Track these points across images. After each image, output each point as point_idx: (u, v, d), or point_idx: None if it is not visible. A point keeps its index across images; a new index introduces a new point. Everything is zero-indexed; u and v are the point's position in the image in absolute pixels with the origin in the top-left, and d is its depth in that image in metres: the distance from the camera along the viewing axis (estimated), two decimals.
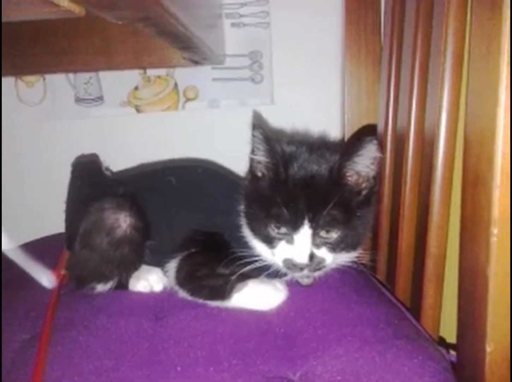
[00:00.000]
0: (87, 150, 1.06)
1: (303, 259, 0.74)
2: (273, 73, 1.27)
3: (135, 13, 0.62)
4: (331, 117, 1.26)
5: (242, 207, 0.82)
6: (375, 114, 1.16)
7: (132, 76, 1.27)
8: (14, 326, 0.79)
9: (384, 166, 1.02)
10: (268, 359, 0.68)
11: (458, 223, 0.69)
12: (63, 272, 0.91)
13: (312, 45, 1.25)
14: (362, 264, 0.83)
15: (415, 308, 0.87)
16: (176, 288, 0.83)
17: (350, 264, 0.81)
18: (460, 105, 0.77)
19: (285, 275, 0.81)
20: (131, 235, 0.85)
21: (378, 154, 0.75)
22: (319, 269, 0.77)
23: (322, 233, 0.74)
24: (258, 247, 0.80)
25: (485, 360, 0.61)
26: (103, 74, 1.27)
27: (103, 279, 0.86)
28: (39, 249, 1.05)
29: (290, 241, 0.75)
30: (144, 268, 0.89)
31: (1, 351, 0.73)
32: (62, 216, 0.93)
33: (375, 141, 0.73)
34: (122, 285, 0.88)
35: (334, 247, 0.75)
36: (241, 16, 1.24)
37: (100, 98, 1.29)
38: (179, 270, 0.83)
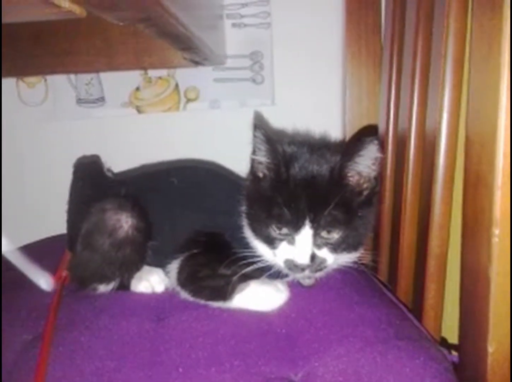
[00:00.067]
0: (88, 151, 1.06)
1: (304, 259, 0.74)
2: (274, 74, 1.27)
3: (136, 14, 0.62)
4: (332, 118, 1.26)
5: (243, 208, 0.82)
6: (375, 114, 1.16)
7: (133, 77, 1.27)
8: (16, 327, 0.79)
9: (385, 166, 1.02)
10: (270, 360, 0.68)
11: (459, 223, 0.69)
12: (65, 273, 0.91)
13: (312, 46, 1.25)
14: (363, 264, 0.83)
15: (417, 308, 0.87)
16: (178, 288, 0.83)
17: (351, 265, 0.81)
18: (461, 106, 0.77)
19: (287, 275, 0.81)
20: (132, 235, 0.85)
21: (379, 155, 0.75)
22: (320, 270, 0.76)
23: (323, 234, 0.74)
24: (260, 247, 0.80)
25: (487, 361, 0.61)
26: (104, 75, 1.28)
27: (105, 279, 0.86)
28: (41, 250, 1.06)
29: (291, 242, 0.75)
30: (146, 268, 0.89)
31: (1, 352, 0.73)
32: (64, 217, 0.93)
33: (376, 142, 0.73)
34: (124, 286, 0.88)
35: (335, 248, 0.75)
36: (242, 16, 1.24)
37: (101, 99, 1.29)
38: (180, 271, 0.83)
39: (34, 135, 1.31)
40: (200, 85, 1.28)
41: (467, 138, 0.66)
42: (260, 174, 0.79)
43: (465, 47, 0.75)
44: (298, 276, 0.79)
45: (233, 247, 0.81)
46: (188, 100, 1.29)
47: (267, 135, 0.74)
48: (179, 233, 0.86)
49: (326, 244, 0.75)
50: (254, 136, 0.75)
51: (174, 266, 0.84)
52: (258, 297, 0.78)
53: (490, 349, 0.60)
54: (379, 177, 0.80)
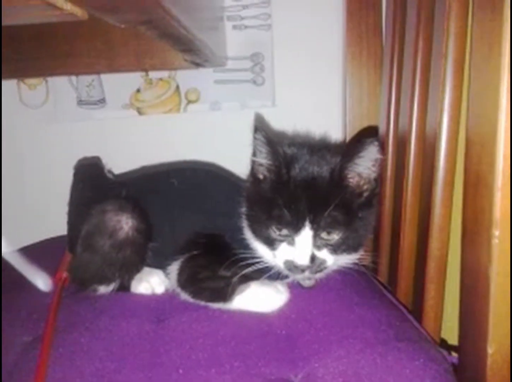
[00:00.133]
0: (89, 153, 1.06)
1: (304, 260, 0.74)
2: (274, 75, 1.27)
3: (137, 16, 0.62)
4: (332, 119, 1.26)
5: (243, 209, 0.83)
6: (376, 115, 1.16)
7: (134, 79, 1.27)
8: (16, 328, 0.79)
9: (386, 168, 1.02)
10: (270, 361, 0.68)
11: (459, 225, 0.69)
12: (65, 274, 0.91)
13: (313, 47, 1.25)
14: (363, 265, 0.83)
15: (417, 309, 0.87)
16: (178, 290, 0.83)
17: (351, 266, 0.81)
18: (461, 107, 0.77)
19: (287, 276, 0.81)
20: (133, 237, 0.85)
21: (379, 156, 0.75)
22: (320, 271, 0.77)
23: (323, 235, 0.74)
24: (260, 248, 0.80)
25: (487, 362, 0.61)
26: (105, 77, 1.28)
27: (105, 281, 0.86)
28: (41, 251, 1.06)
29: (291, 243, 0.75)
30: (146, 270, 0.89)
31: (1, 353, 0.73)
32: (64, 218, 0.93)
33: (376, 143, 0.73)
34: (124, 287, 0.88)
35: (335, 249, 0.75)
36: (243, 18, 1.24)
37: (102, 101, 1.29)
38: (180, 272, 0.83)
39: (34, 137, 1.31)
40: (201, 86, 1.28)
41: (467, 139, 0.66)
42: (261, 176, 0.79)
43: (466, 48, 0.75)
44: (298, 277, 0.79)
45: (233, 248, 0.81)
46: (189, 101, 1.29)
47: (268, 137, 0.75)
48: (179, 234, 0.86)
49: (326, 245, 0.75)
50: (255, 138, 0.75)
51: (174, 267, 0.85)
52: (258, 298, 0.78)
53: (490, 350, 0.60)
54: (379, 179, 0.80)
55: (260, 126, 0.75)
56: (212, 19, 1.11)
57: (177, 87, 1.29)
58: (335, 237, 0.75)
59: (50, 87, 1.29)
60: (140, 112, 1.30)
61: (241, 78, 1.27)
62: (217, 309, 0.78)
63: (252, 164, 0.80)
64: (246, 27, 1.25)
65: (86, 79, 1.28)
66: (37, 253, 1.03)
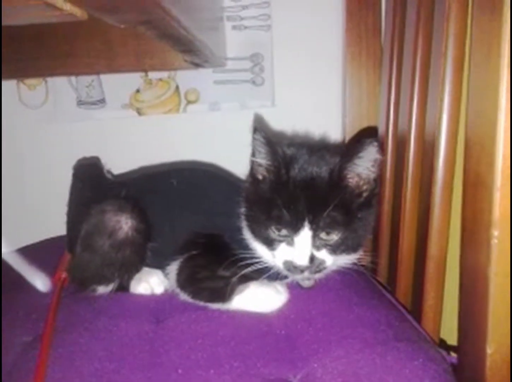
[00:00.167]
0: (88, 153, 1.06)
1: (303, 261, 0.74)
2: (274, 76, 1.27)
3: (137, 17, 0.62)
4: (331, 120, 1.26)
5: (242, 209, 0.83)
6: (375, 116, 1.16)
7: (133, 79, 1.27)
8: (16, 328, 0.79)
9: (385, 168, 1.02)
10: (269, 361, 0.68)
11: (458, 225, 0.69)
12: (64, 274, 0.91)
13: (313, 48, 1.26)
14: (362, 265, 0.83)
15: (416, 310, 0.87)
16: (177, 290, 0.83)
17: (350, 266, 0.81)
18: (460, 107, 0.77)
19: (286, 277, 0.81)
20: (132, 237, 0.85)
21: (378, 156, 0.75)
22: (320, 271, 0.77)
23: (323, 235, 0.74)
24: (259, 249, 0.80)
25: (486, 362, 0.61)
26: (104, 77, 1.28)
27: (104, 281, 0.86)
28: (41, 251, 1.06)
29: (291, 243, 0.75)
30: (145, 270, 0.89)
31: (1, 353, 0.73)
32: (64, 218, 0.93)
33: (375, 143, 0.73)
34: (123, 287, 0.88)
35: (335, 249, 0.75)
36: (242, 19, 1.24)
37: (101, 101, 1.29)
38: (180, 272, 0.83)
39: (34, 137, 1.31)
40: (201, 87, 1.28)
41: (466, 139, 0.66)
42: (260, 177, 0.79)
43: (465, 48, 0.75)
44: (297, 277, 0.79)
45: (232, 248, 0.82)
46: (189, 102, 1.29)
47: (267, 138, 0.75)
48: (179, 235, 0.86)
49: (325, 246, 0.75)
50: (254, 138, 0.75)
51: (173, 268, 0.85)
52: (257, 299, 0.78)
53: (489, 350, 0.60)
54: (379, 179, 0.80)
55: (260, 127, 0.75)
56: (212, 20, 1.11)
57: (177, 87, 1.29)
58: (334, 237, 0.75)
59: (49, 88, 1.29)
60: (139, 112, 1.30)
61: (240, 78, 1.27)
62: (216, 309, 0.78)
63: (251, 164, 0.80)
64: (245, 27, 1.25)
65: (85, 79, 1.28)
66: (36, 253, 1.03)
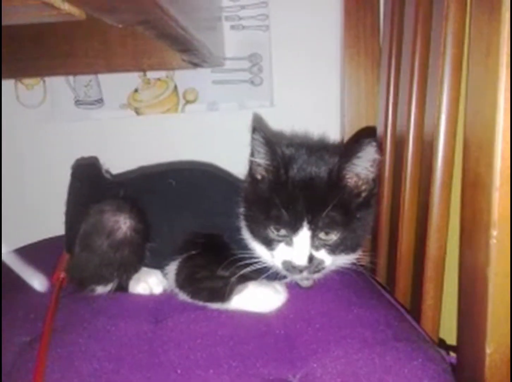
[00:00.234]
0: (86, 153, 1.06)
1: (302, 261, 0.74)
2: (272, 76, 1.27)
3: (135, 16, 0.62)
4: (330, 119, 1.26)
5: (241, 209, 0.83)
6: (374, 116, 1.16)
7: (132, 79, 1.27)
8: (14, 328, 0.79)
9: (384, 168, 1.02)
10: (268, 361, 0.68)
11: (457, 225, 0.69)
12: (62, 274, 0.90)
13: (311, 48, 1.25)
14: (361, 265, 0.83)
15: (415, 309, 0.87)
16: (176, 290, 0.83)
17: (349, 266, 0.81)
18: (459, 108, 0.77)
19: (285, 277, 0.81)
20: (131, 237, 0.85)
21: (377, 156, 0.75)
22: (318, 271, 0.77)
23: (321, 235, 0.74)
24: (258, 249, 0.80)
25: (485, 362, 0.61)
26: (103, 77, 1.28)
27: (103, 281, 0.86)
28: (39, 251, 1.06)
29: (289, 243, 0.75)
30: (144, 270, 0.89)
31: (1, 353, 0.73)
32: (62, 218, 0.93)
33: (374, 143, 0.73)
34: (122, 287, 0.88)
35: (333, 249, 0.75)
36: (241, 18, 1.24)
37: (100, 101, 1.29)
38: (179, 272, 0.83)
39: (32, 137, 1.31)
40: (199, 87, 1.28)
41: (465, 139, 0.66)
42: (259, 176, 0.79)
43: (464, 48, 0.75)
44: (296, 277, 0.79)
45: (231, 248, 0.82)
46: (187, 102, 1.29)
47: (266, 138, 0.75)
48: (177, 235, 0.86)
49: (324, 246, 0.75)
50: (253, 138, 0.75)
51: (172, 268, 0.85)
52: (256, 298, 0.78)
53: (488, 350, 0.61)
54: (377, 179, 0.80)
55: (258, 127, 0.75)
56: (210, 19, 1.11)
57: (175, 87, 1.28)
58: (333, 237, 0.75)
59: (47, 87, 1.29)
60: (138, 112, 1.30)
61: (239, 78, 1.27)
62: (215, 309, 0.78)
63: (250, 164, 0.80)
64: (244, 27, 1.25)
65: (83, 79, 1.27)
66: (34, 253, 1.03)
